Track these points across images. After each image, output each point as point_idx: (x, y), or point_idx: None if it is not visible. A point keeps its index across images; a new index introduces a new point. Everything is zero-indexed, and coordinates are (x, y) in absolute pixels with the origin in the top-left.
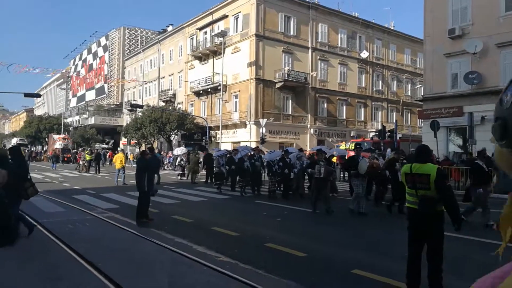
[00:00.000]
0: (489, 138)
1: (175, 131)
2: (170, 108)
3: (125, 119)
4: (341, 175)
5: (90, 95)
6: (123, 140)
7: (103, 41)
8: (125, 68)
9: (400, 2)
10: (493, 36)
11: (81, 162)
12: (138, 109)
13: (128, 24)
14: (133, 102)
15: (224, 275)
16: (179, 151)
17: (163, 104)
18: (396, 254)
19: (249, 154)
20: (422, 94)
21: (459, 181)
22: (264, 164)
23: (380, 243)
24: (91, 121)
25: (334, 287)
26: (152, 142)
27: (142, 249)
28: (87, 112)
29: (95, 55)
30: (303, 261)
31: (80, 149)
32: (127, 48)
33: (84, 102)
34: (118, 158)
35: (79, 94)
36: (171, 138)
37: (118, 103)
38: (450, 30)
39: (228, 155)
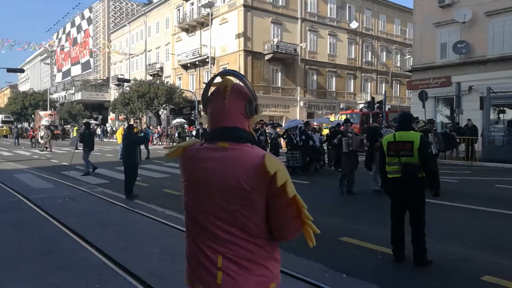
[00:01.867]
0: (476, 107)
1: (164, 105)
2: (158, 82)
3: (113, 94)
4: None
5: (76, 70)
6: (111, 116)
7: (86, 13)
8: (110, 41)
9: None
10: (483, 5)
11: (41, 140)
12: (125, 83)
13: None
14: (120, 77)
15: None
16: (176, 123)
17: (151, 78)
18: (377, 220)
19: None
20: (411, 64)
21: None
22: (276, 135)
23: (369, 211)
24: (78, 96)
25: (321, 254)
26: (140, 117)
27: (132, 222)
28: (73, 88)
29: (79, 28)
30: None
31: (31, 126)
32: (112, 21)
33: (69, 77)
34: (119, 133)
35: (64, 69)
36: (160, 113)
37: (105, 78)
38: None
39: None
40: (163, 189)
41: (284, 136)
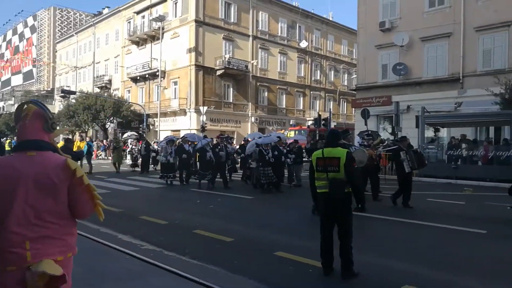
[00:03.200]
0: (413, 125)
1: (111, 118)
2: (106, 94)
3: (57, 106)
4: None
5: (17, 80)
6: None
7: (30, 21)
8: (56, 51)
9: None
10: (418, 30)
11: None
12: (71, 95)
13: (59, 4)
14: (66, 88)
15: (146, 263)
16: (127, 136)
17: (98, 90)
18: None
19: (211, 143)
20: (356, 83)
21: (386, 166)
22: (242, 151)
23: (306, 225)
24: None
25: (256, 269)
26: (86, 130)
27: None
28: (13, 98)
29: (21, 37)
30: (230, 246)
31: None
32: (58, 31)
33: (9, 87)
34: (75, 146)
35: (3, 78)
36: (107, 126)
37: (49, 89)
38: (381, 23)
39: (178, 144)
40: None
41: (241, 152)
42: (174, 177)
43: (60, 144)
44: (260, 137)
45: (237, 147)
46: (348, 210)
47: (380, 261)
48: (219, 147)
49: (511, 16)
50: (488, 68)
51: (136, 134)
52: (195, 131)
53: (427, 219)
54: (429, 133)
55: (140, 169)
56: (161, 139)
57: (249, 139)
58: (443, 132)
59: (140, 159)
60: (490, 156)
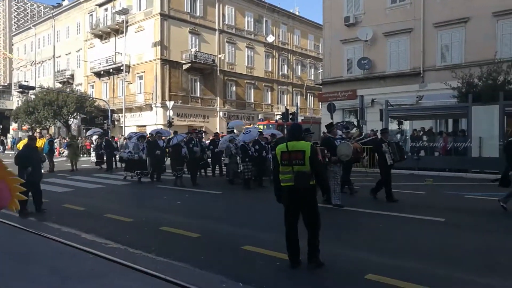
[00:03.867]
0: (378, 118)
1: (74, 114)
2: (68, 90)
3: (15, 101)
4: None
5: None
6: (13, 126)
7: None
8: (13, 44)
9: None
10: (381, 25)
11: None
12: (30, 91)
13: None
14: (24, 83)
15: (110, 261)
16: (92, 132)
17: (60, 85)
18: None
19: (185, 139)
20: (322, 78)
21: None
22: (233, 147)
23: (273, 219)
24: None
25: (223, 264)
26: (48, 126)
27: (22, 242)
28: None
29: None
30: (197, 242)
31: None
32: (14, 23)
33: None
34: (22, 145)
35: None
36: (70, 123)
37: (6, 84)
38: (346, 18)
39: (149, 139)
40: (64, 204)
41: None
42: (147, 174)
43: (24, 141)
44: (245, 132)
45: (208, 142)
46: (314, 200)
47: (345, 251)
48: (193, 142)
49: (467, 13)
50: (447, 63)
51: (101, 130)
52: (162, 127)
53: (391, 209)
54: (393, 126)
55: (106, 167)
56: (125, 135)
57: (234, 129)
58: (406, 125)
59: (105, 157)
60: (449, 147)
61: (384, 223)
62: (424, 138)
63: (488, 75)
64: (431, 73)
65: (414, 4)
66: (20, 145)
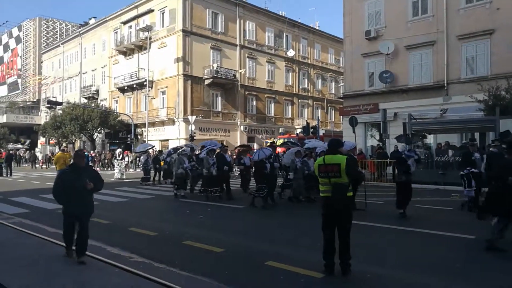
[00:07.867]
0: (400, 132)
1: (98, 129)
2: (93, 105)
3: (43, 117)
4: None
5: (2, 91)
6: (41, 140)
7: (15, 32)
8: (42, 62)
9: (325, 2)
10: (403, 39)
11: None
12: (57, 106)
13: (44, 14)
14: (52, 99)
15: (135, 275)
16: (141, 147)
17: (86, 101)
18: (307, 244)
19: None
20: (343, 91)
21: (374, 172)
22: (299, 161)
23: (296, 235)
24: (3, 119)
25: (247, 280)
26: (73, 141)
27: (49, 254)
28: None
29: (6, 47)
30: (220, 256)
31: None
32: (44, 41)
33: None
34: (61, 159)
35: None
36: (94, 137)
37: (35, 100)
38: (367, 31)
39: (217, 153)
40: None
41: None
42: (221, 191)
43: (60, 155)
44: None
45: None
46: (349, 211)
47: (372, 268)
48: (272, 157)
49: (491, 24)
50: (472, 75)
51: (152, 145)
52: (184, 141)
53: (416, 225)
54: (416, 140)
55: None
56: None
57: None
58: (430, 139)
59: (153, 171)
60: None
61: (413, 240)
62: (450, 152)
63: None
64: (456, 86)
65: (437, 17)
66: (58, 160)
